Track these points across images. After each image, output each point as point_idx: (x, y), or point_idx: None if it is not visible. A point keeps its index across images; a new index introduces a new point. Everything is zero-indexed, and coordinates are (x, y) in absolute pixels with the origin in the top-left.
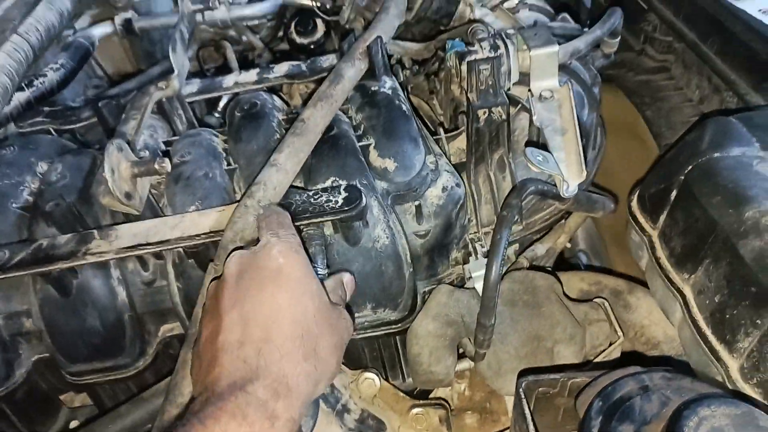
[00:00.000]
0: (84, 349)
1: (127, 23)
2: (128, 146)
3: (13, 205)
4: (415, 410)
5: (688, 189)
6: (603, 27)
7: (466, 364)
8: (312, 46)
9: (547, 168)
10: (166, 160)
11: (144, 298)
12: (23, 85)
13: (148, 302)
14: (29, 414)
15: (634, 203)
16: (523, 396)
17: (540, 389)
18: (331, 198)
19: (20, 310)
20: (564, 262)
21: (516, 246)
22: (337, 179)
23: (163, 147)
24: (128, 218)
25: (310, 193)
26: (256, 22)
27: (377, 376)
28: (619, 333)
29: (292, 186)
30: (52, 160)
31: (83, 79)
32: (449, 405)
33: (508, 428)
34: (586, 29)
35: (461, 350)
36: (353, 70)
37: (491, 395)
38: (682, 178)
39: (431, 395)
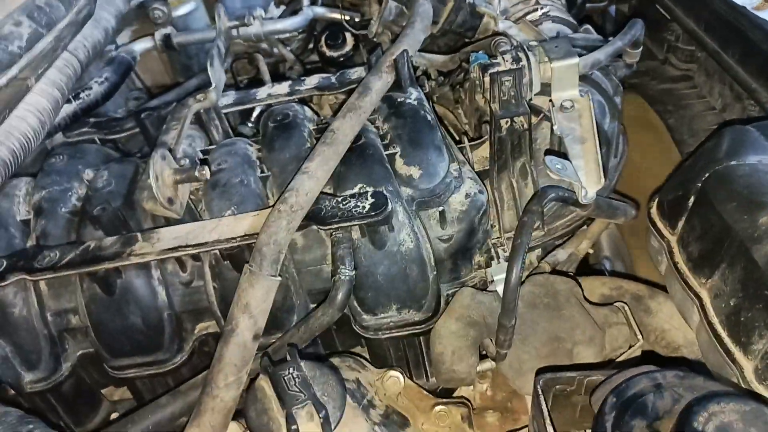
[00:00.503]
0: (126, 344)
1: (166, 38)
2: (170, 154)
3: (63, 209)
4: (438, 408)
5: (704, 196)
6: (624, 38)
7: (488, 364)
8: (341, 59)
9: (566, 175)
10: (206, 168)
11: (182, 297)
12: (70, 97)
13: (186, 301)
14: (73, 406)
15: (654, 210)
16: (540, 392)
17: (557, 386)
18: (358, 204)
19: (68, 308)
20: (588, 268)
21: (538, 251)
22: (365, 186)
23: (200, 155)
24: (169, 222)
25: (339, 199)
26: (287, 35)
27: (402, 374)
28: (639, 336)
29: (322, 192)
30: (98, 168)
31: (124, 92)
32: (471, 404)
33: (528, 426)
34: (610, 39)
35: (483, 351)
36: (380, 83)
37: (512, 395)
38: (699, 185)
39: (454, 394)
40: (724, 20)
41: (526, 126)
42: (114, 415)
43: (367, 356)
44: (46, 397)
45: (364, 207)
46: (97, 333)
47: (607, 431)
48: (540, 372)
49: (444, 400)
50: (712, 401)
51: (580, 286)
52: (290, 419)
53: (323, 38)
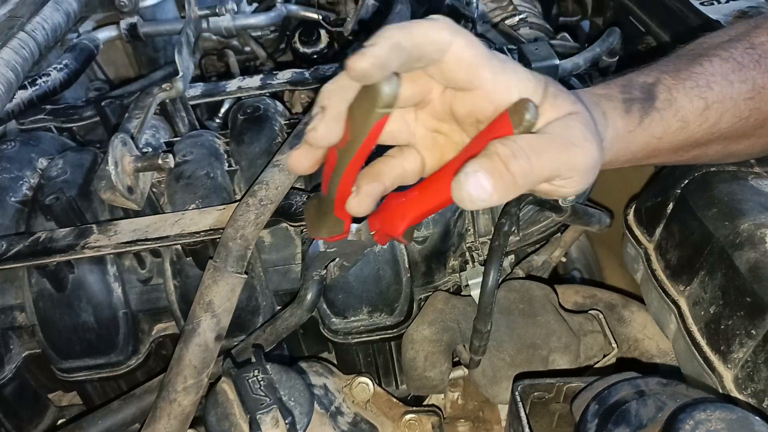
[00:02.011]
0: (77, 345)
1: (132, 28)
2: (132, 141)
3: (12, 199)
4: (408, 416)
5: (684, 202)
6: (602, 45)
7: (459, 372)
8: (315, 56)
9: None
10: (170, 155)
11: (140, 296)
12: (26, 83)
13: (143, 300)
14: (16, 411)
15: (631, 216)
16: (518, 399)
17: (535, 393)
18: None
19: (14, 304)
20: (558, 279)
21: (512, 257)
22: None
23: (164, 147)
24: (127, 215)
25: (311, 195)
26: (259, 32)
27: (371, 380)
28: (614, 345)
29: (293, 187)
30: (53, 157)
31: (85, 83)
32: (442, 413)
33: None
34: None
35: (456, 358)
36: None
37: (484, 404)
38: (679, 191)
39: (424, 403)
40: (698, 34)
41: None
42: (61, 422)
43: (335, 362)
44: None
45: None
46: (45, 332)
47: None
48: (518, 378)
49: (414, 408)
50: (697, 409)
51: (556, 292)
52: (254, 425)
53: (297, 34)
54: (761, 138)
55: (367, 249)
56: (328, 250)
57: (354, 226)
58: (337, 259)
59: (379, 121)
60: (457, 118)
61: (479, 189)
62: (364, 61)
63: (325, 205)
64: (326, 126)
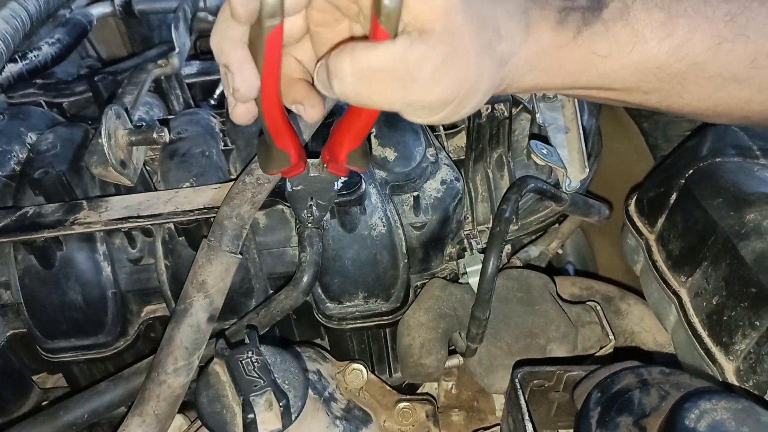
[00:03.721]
0: (63, 324)
1: (127, 4)
2: (126, 114)
3: None
4: (402, 404)
5: (688, 192)
6: None
7: (454, 361)
8: None
9: (551, 161)
10: (165, 129)
11: (130, 275)
12: (17, 57)
13: (133, 280)
14: None
15: (632, 207)
16: (518, 386)
17: (535, 381)
18: None
19: None
20: (553, 271)
21: (508, 247)
22: None
23: (158, 125)
24: (119, 192)
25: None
26: None
27: (365, 367)
28: (611, 336)
29: None
30: (42, 132)
31: (76, 60)
32: (436, 402)
33: (496, 425)
34: None
35: (452, 346)
36: None
37: (479, 394)
38: (683, 181)
39: (418, 391)
40: None
41: (506, 114)
42: (45, 405)
43: (328, 348)
44: None
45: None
46: (30, 310)
47: (592, 427)
48: (516, 366)
49: (408, 396)
50: (702, 398)
51: (554, 282)
52: (247, 407)
53: None
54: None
55: (333, 182)
56: (294, 188)
57: (311, 161)
58: (313, 199)
59: (273, 33)
60: (342, 9)
61: (322, 83)
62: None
63: (267, 139)
64: (242, 80)
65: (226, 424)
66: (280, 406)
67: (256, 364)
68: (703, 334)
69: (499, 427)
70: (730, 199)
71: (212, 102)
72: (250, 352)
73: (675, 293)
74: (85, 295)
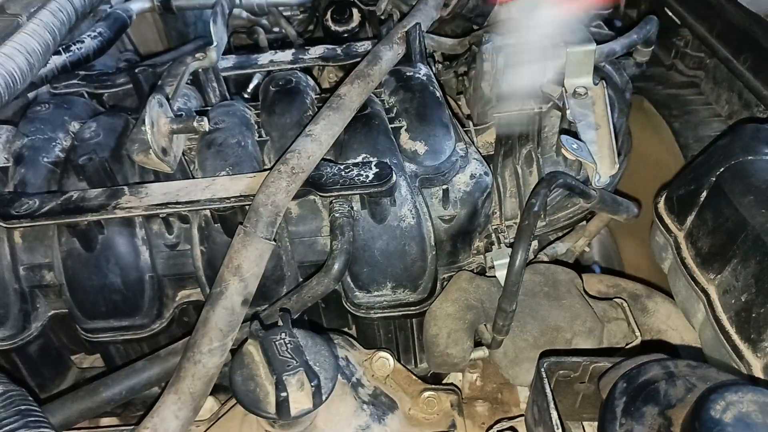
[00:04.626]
0: (102, 306)
1: (166, 0)
2: (168, 103)
3: (45, 159)
4: (427, 393)
5: (719, 189)
6: (639, 33)
7: (480, 353)
8: (346, 35)
9: (582, 156)
10: (205, 119)
11: (166, 260)
12: (60, 49)
13: (170, 265)
14: (39, 369)
15: (661, 205)
16: (544, 375)
17: (561, 372)
18: (362, 172)
19: (42, 263)
20: (580, 269)
21: (535, 243)
22: (368, 156)
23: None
24: (158, 179)
25: (342, 167)
26: (289, 12)
27: (391, 356)
28: (637, 333)
29: (324, 159)
30: (85, 121)
31: (115, 54)
32: (461, 392)
33: (520, 416)
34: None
35: (477, 338)
36: (391, 53)
37: (503, 386)
38: (714, 179)
39: (443, 382)
40: (738, 27)
41: (537, 109)
42: None
43: (355, 337)
44: (10, 356)
45: (367, 176)
46: (72, 291)
47: (617, 416)
48: (542, 356)
49: (433, 386)
50: (729, 390)
51: (581, 278)
52: (280, 385)
53: (329, 12)
54: None
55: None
56: None
57: None
58: None
59: None
60: None
61: None
62: None
63: None
64: None
65: (259, 402)
66: (312, 386)
67: (289, 345)
68: (731, 331)
69: (523, 417)
70: (761, 197)
71: (246, 96)
72: (283, 334)
73: (703, 290)
74: (124, 278)
